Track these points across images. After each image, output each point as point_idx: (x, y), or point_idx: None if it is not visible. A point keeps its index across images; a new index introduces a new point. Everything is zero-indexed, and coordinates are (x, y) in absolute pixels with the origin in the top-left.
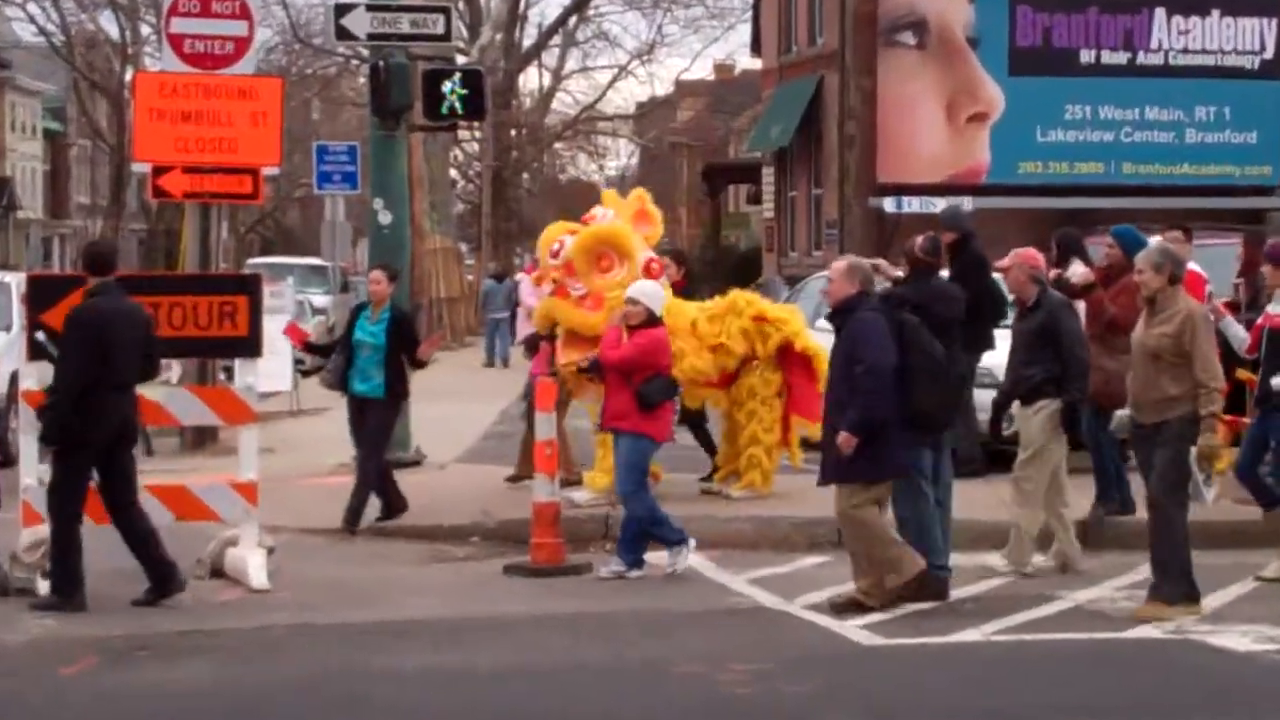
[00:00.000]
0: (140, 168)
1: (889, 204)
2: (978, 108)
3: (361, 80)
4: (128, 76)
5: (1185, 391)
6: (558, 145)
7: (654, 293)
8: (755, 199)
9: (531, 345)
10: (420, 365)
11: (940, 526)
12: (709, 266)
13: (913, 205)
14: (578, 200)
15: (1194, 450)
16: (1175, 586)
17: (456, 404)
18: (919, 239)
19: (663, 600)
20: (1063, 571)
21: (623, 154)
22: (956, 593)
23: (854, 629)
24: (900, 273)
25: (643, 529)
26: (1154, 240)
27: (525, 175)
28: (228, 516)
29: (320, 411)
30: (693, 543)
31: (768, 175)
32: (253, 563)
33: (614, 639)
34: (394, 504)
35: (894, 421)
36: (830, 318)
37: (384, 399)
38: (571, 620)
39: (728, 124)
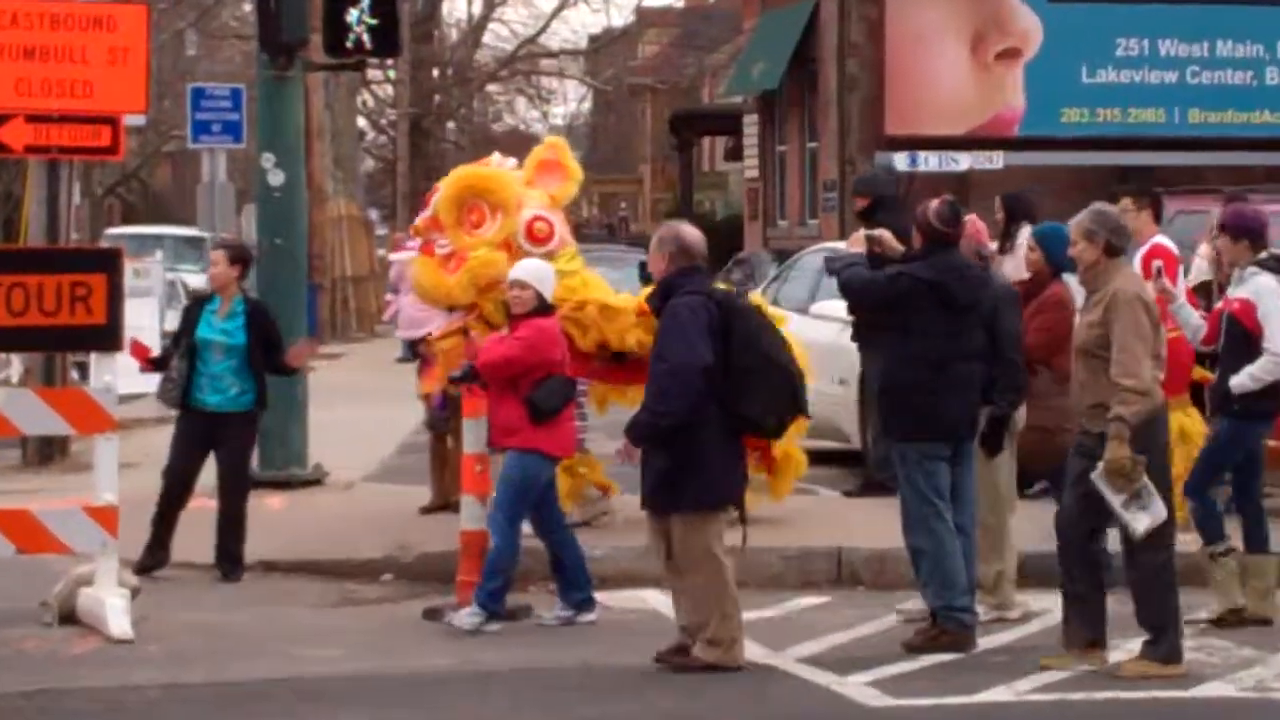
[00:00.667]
0: None
1: (900, 161)
2: (1009, 42)
3: (247, 7)
4: None
5: None
6: (491, 88)
7: (543, 273)
8: (735, 154)
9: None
10: (287, 371)
11: (964, 558)
12: None
13: (929, 163)
14: (516, 155)
15: (1099, 467)
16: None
17: (365, 408)
18: (933, 204)
19: (622, 652)
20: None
21: (572, 98)
22: (984, 641)
23: (858, 686)
24: (899, 247)
25: (571, 564)
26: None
27: (451, 124)
28: (82, 549)
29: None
30: (589, 617)
31: (750, 125)
32: (112, 607)
33: (561, 701)
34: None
35: (718, 434)
36: (649, 301)
37: (246, 413)
38: (508, 678)
39: (700, 62)
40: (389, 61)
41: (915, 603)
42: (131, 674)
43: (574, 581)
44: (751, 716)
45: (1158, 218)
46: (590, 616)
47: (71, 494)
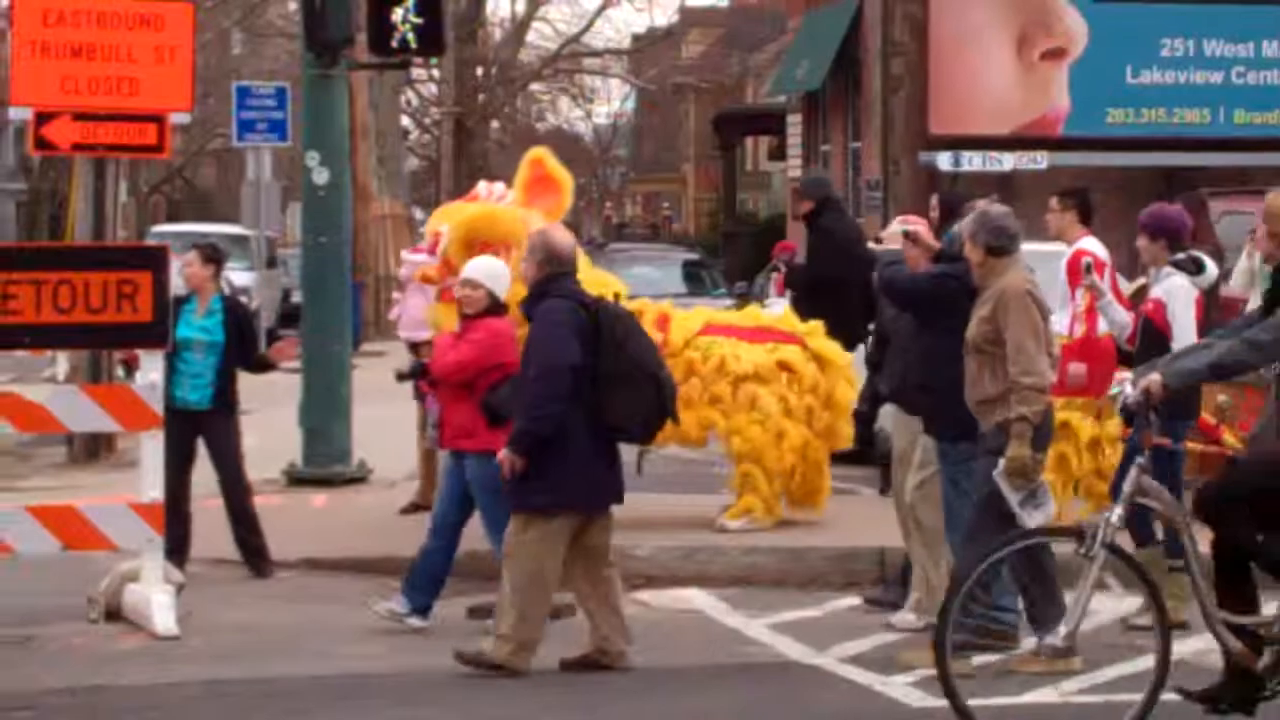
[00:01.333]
0: (19, 114)
1: (944, 161)
2: (1054, 42)
3: (292, 6)
4: (3, 2)
5: (1004, 391)
6: (535, 87)
7: (496, 271)
8: (778, 154)
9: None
10: (264, 368)
11: None
12: (723, 238)
13: (973, 163)
14: (560, 154)
15: (1000, 464)
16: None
17: (408, 406)
18: (974, 205)
19: (663, 651)
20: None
21: (615, 98)
22: (1029, 641)
23: (902, 687)
24: (935, 243)
25: (438, 570)
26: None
27: (495, 123)
28: (127, 545)
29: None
30: (417, 622)
31: (793, 125)
32: (158, 603)
33: (603, 698)
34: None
35: (582, 438)
36: (521, 306)
37: (224, 411)
38: (551, 674)
39: (744, 62)
40: (433, 60)
41: (902, 616)
42: (174, 670)
43: (424, 587)
44: (793, 716)
45: (1085, 219)
46: (422, 623)
47: (117, 491)
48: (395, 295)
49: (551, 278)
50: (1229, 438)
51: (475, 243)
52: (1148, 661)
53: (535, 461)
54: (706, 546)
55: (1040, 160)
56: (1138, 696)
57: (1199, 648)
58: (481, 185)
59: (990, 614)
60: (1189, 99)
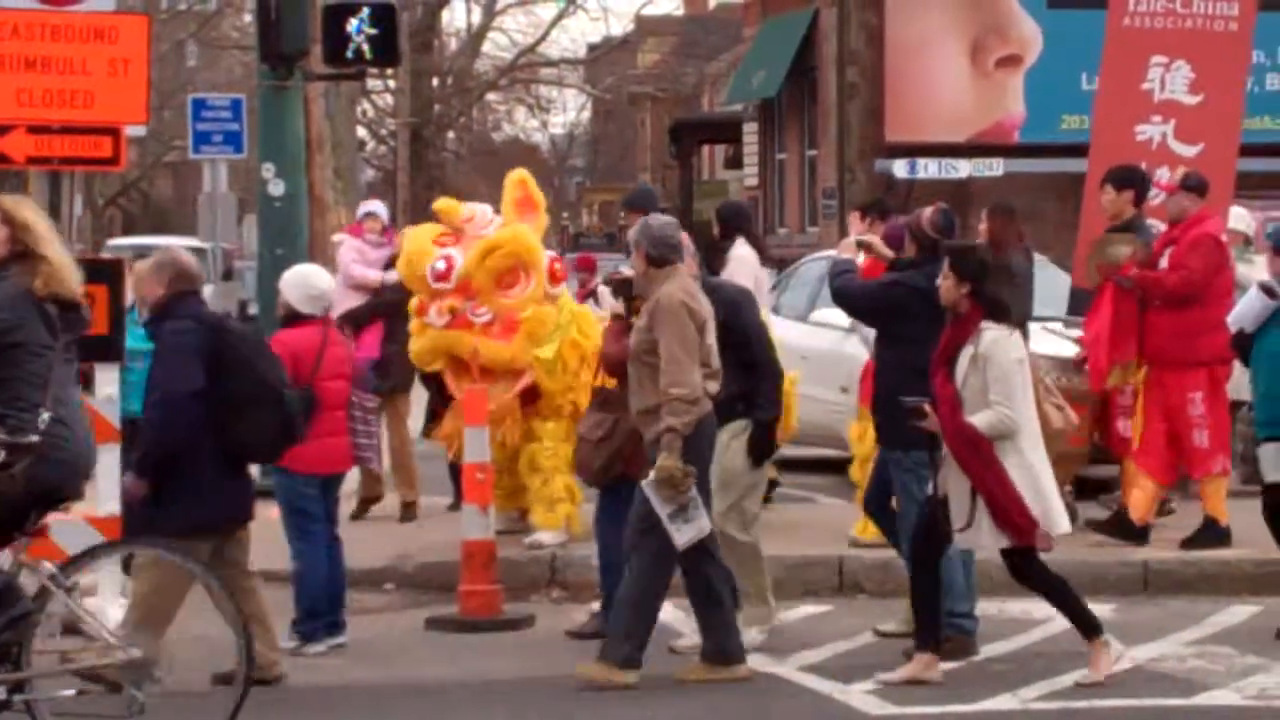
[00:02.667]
0: None
1: (900, 168)
2: (1009, 49)
3: (247, 18)
4: None
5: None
6: (491, 97)
7: (293, 280)
8: (735, 162)
9: (352, 320)
10: None
11: (963, 567)
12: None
13: (929, 170)
14: (517, 164)
15: (651, 476)
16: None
17: None
18: (927, 211)
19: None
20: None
21: (571, 107)
22: (987, 649)
23: (860, 695)
24: (889, 252)
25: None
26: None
27: (451, 134)
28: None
29: None
30: (319, 647)
31: (750, 133)
32: (114, 618)
33: (561, 711)
34: None
35: (211, 460)
36: (146, 326)
37: None
38: (509, 688)
39: (700, 70)
40: (389, 71)
41: (897, 624)
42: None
43: (306, 613)
44: None
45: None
46: (318, 647)
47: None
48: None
49: (178, 296)
50: None
51: (503, 267)
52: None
53: (166, 485)
54: None
55: (996, 167)
56: (1098, 703)
57: (1153, 654)
58: (468, 207)
59: (951, 622)
60: None
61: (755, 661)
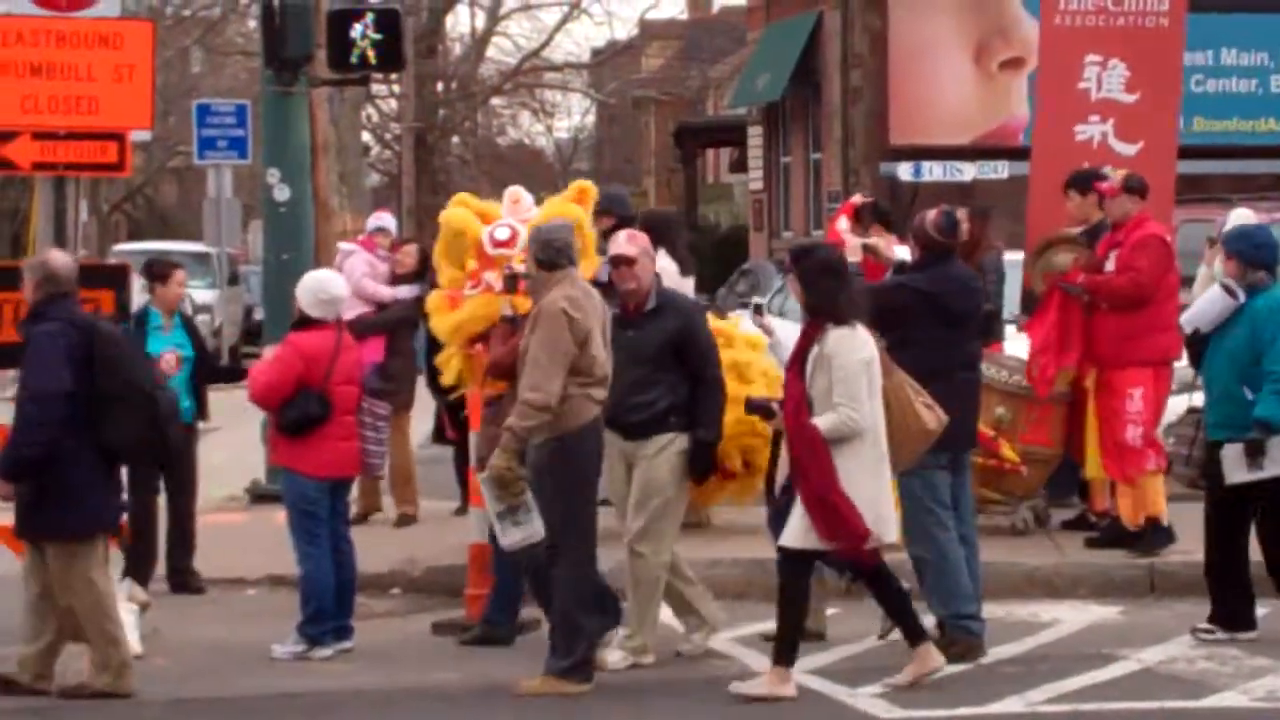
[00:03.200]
0: None
1: (904, 171)
2: (1012, 52)
3: (252, 24)
4: None
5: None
6: (495, 102)
7: (309, 285)
8: (739, 166)
9: (357, 330)
10: (236, 377)
11: (968, 567)
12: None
13: (934, 173)
14: (520, 168)
15: (484, 475)
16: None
17: None
18: (931, 214)
19: (629, 667)
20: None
21: (576, 112)
22: (995, 652)
23: (868, 698)
24: (895, 255)
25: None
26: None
27: (455, 139)
28: None
29: (206, 431)
30: (326, 651)
31: (754, 137)
32: (124, 623)
33: (565, 714)
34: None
35: (87, 460)
36: (18, 328)
37: (193, 425)
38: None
39: (704, 74)
40: (393, 76)
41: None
42: (144, 688)
43: (312, 616)
44: None
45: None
46: (325, 651)
47: None
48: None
49: (49, 299)
50: (1007, 451)
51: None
52: (1112, 670)
53: (56, 493)
54: None
55: (1001, 169)
56: (1105, 706)
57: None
58: (517, 189)
59: (958, 624)
60: None
61: (761, 665)
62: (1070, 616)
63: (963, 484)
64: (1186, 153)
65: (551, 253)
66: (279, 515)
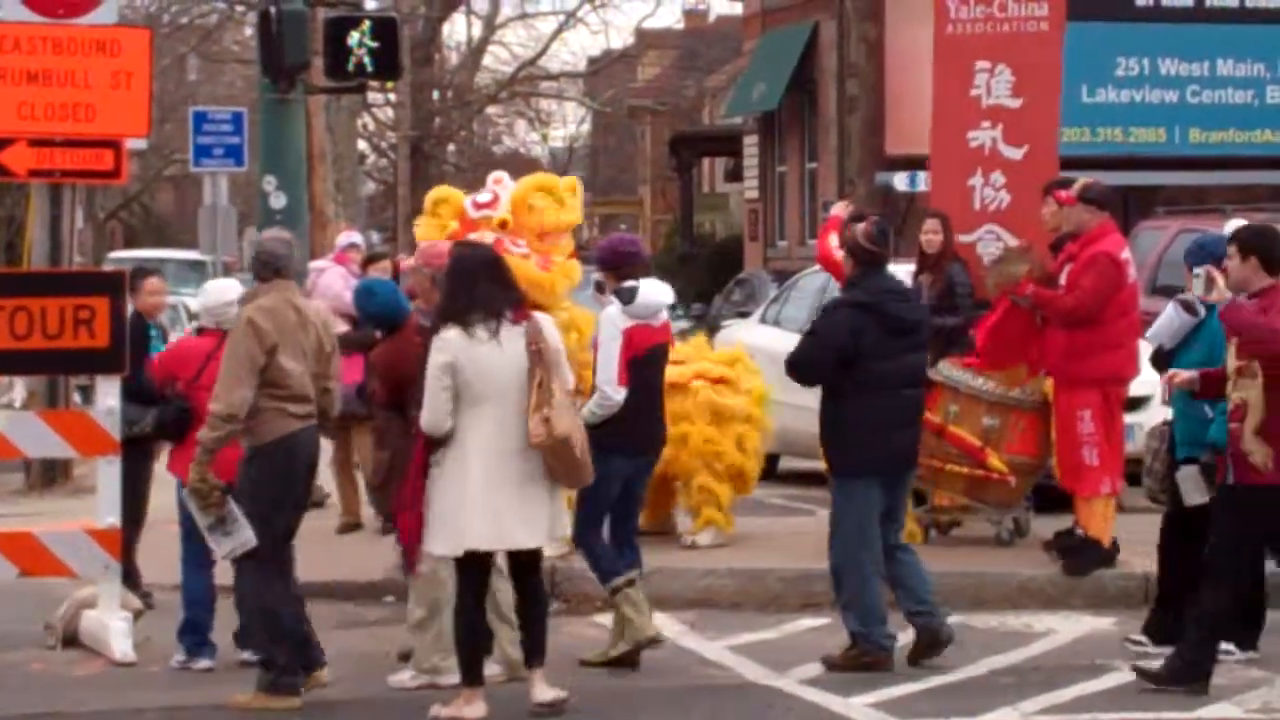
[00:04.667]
0: None
1: (900, 181)
2: None
3: (248, 31)
4: None
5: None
6: (491, 110)
7: (204, 289)
8: (735, 175)
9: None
10: None
11: (913, 570)
12: (679, 260)
13: (929, 183)
14: (516, 177)
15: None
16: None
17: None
18: (861, 225)
19: (621, 674)
20: (510, 680)
21: (571, 120)
22: (987, 662)
23: (862, 708)
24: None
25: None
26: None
27: (451, 147)
28: (84, 572)
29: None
30: (203, 663)
31: (750, 146)
32: (115, 629)
33: None
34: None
35: None
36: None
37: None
38: (505, 699)
39: (700, 83)
40: (389, 85)
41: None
42: (133, 696)
43: (193, 623)
44: None
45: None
46: (206, 663)
47: (74, 517)
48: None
49: None
50: (994, 461)
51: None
52: (1105, 681)
53: None
54: (664, 569)
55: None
56: (1099, 716)
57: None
58: (500, 173)
59: (869, 640)
60: (1144, 118)
61: (755, 674)
62: (1064, 627)
63: (899, 498)
64: (1181, 164)
65: (258, 265)
66: None
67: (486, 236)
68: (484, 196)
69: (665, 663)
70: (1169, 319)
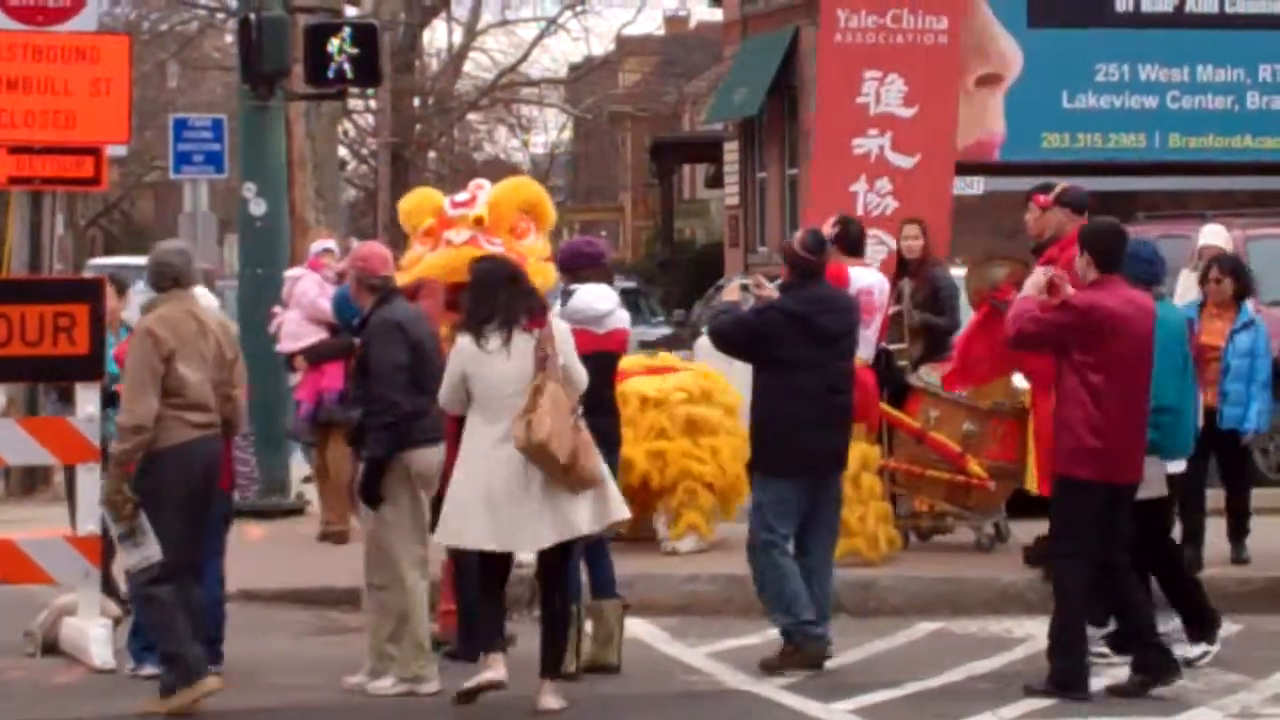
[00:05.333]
0: None
1: None
2: (989, 67)
3: (229, 38)
4: None
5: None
6: (472, 117)
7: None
8: (715, 182)
9: (314, 356)
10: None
11: (820, 585)
12: (660, 266)
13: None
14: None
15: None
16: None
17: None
18: (798, 234)
19: (604, 680)
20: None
21: (552, 127)
22: (968, 667)
23: (842, 714)
24: (774, 292)
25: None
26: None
27: (432, 154)
28: (64, 579)
29: None
30: (147, 669)
31: (730, 152)
32: (95, 637)
33: None
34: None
35: None
36: None
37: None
38: (487, 706)
39: (681, 89)
40: (370, 91)
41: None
42: (113, 703)
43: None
44: None
45: (853, 251)
46: (150, 670)
47: (54, 524)
48: (275, 310)
49: None
50: (974, 467)
51: (517, 208)
52: (1091, 685)
53: None
54: (646, 575)
55: (976, 185)
56: None
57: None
58: (482, 180)
59: (800, 629)
60: (1124, 124)
61: (736, 680)
62: (1044, 632)
63: (825, 503)
64: (1162, 169)
65: (154, 275)
66: (252, 530)
67: (462, 233)
68: (462, 195)
69: (646, 669)
70: None
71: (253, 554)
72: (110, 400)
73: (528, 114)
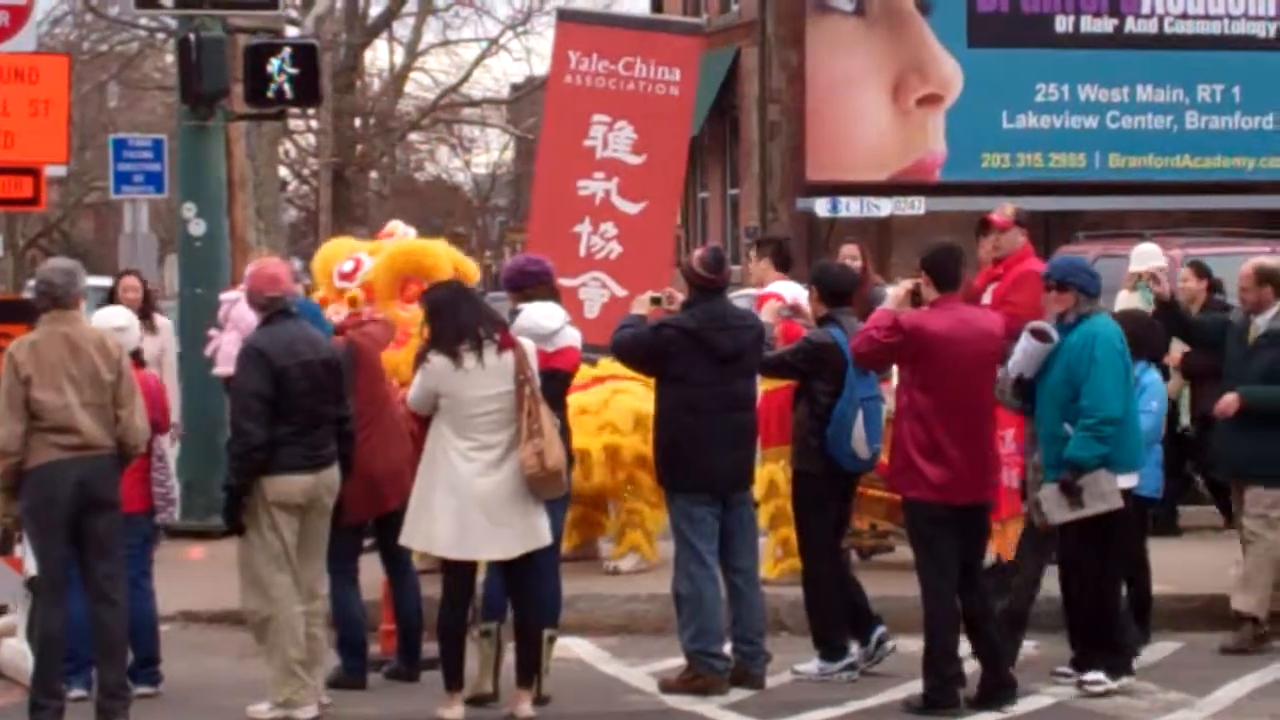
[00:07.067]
0: None
1: (822, 207)
2: (930, 88)
3: (169, 58)
4: None
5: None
6: (413, 137)
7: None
8: None
9: None
10: None
11: (748, 598)
12: None
13: (851, 208)
14: (440, 204)
15: None
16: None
17: None
18: (698, 252)
19: (547, 700)
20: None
21: (494, 147)
22: (911, 686)
23: None
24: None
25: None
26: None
27: (374, 174)
28: (3, 599)
29: None
30: (76, 691)
31: None
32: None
33: None
34: None
35: None
36: None
37: None
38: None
39: None
40: (311, 111)
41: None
42: None
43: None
44: None
45: (782, 266)
46: (80, 693)
47: None
48: (211, 332)
49: None
50: None
51: (403, 273)
52: (1032, 704)
53: None
54: (586, 595)
55: (917, 205)
56: None
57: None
58: (398, 224)
59: (704, 659)
60: (1064, 143)
61: (678, 700)
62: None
63: (737, 520)
64: (1102, 189)
65: (36, 295)
66: (192, 551)
67: (341, 311)
68: (347, 266)
69: (588, 688)
70: (1024, 351)
71: (193, 575)
72: None
73: (470, 134)
